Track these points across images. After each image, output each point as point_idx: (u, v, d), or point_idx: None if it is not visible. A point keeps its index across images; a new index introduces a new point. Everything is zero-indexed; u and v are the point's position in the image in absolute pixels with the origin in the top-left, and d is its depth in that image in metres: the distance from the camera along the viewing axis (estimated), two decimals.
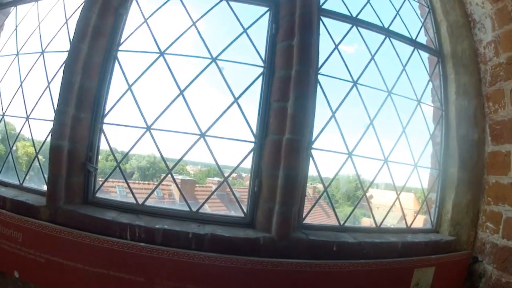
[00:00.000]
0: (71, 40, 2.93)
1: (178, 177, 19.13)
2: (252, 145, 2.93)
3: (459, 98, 3.63)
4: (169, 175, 2.96)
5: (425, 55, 3.90)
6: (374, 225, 3.33)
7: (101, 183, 3.06)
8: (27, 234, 2.70)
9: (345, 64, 3.34)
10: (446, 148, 3.67)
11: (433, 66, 3.84)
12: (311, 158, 3.00)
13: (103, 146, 3.02)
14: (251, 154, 2.93)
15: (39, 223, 2.68)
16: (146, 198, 2.90)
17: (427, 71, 3.85)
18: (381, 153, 3.33)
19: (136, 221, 2.69)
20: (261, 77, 3.02)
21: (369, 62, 3.45)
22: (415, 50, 3.71)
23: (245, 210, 2.95)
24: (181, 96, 2.93)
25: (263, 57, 3.05)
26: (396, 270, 2.99)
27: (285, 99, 2.87)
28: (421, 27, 3.90)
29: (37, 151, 3.21)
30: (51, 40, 3.38)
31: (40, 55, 3.38)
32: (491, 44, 3.49)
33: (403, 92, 3.53)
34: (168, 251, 2.56)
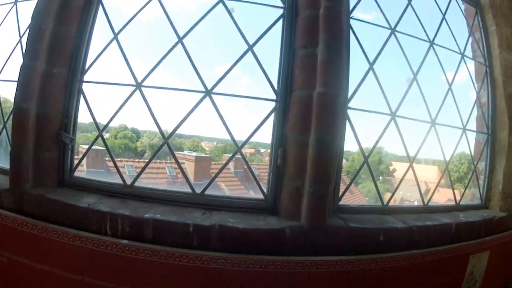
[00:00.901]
0: None
1: (193, 154, 16.84)
2: (273, 104, 1.92)
3: (503, 52, 2.72)
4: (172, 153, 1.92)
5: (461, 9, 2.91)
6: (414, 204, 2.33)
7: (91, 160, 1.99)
8: None
9: (380, 8, 2.30)
10: (493, 109, 2.75)
11: (471, 18, 2.88)
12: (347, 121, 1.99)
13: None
14: (272, 117, 1.92)
15: None
16: (137, 177, 1.91)
17: (467, 24, 2.89)
18: (428, 115, 2.37)
19: (119, 209, 1.71)
20: (281, 20, 1.99)
21: (406, 7, 2.39)
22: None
23: (265, 191, 1.92)
24: (180, 45, 1.93)
25: None
26: (450, 260, 2.08)
27: (313, 45, 1.83)
28: None
29: (5, 120, 2.22)
30: None
31: (13, 6, 2.34)
32: None
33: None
34: (160, 252, 1.57)
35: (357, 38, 2.06)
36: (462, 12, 2.86)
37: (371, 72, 2.12)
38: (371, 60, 2.11)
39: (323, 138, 1.71)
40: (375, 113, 2.10)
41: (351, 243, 1.77)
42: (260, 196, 1.90)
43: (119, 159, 14.78)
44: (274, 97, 1.91)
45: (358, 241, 1.79)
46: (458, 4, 2.79)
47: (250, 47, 1.91)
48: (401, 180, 2.25)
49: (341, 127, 1.87)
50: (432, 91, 2.75)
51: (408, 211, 2.24)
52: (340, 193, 1.96)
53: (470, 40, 2.84)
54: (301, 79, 1.84)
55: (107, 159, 13.21)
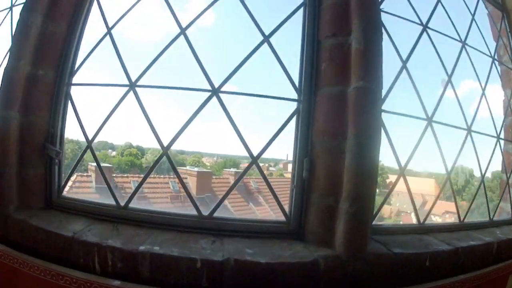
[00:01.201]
0: None
1: (194, 169, 16.62)
2: (295, 104, 1.51)
3: None
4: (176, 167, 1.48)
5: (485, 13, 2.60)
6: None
7: (76, 177, 1.62)
8: None
9: (410, 3, 1.93)
10: None
11: (498, 22, 2.55)
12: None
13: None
14: (294, 119, 1.51)
15: None
16: (131, 197, 1.50)
17: (494, 27, 2.57)
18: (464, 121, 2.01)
19: (109, 239, 1.29)
20: (301, 9, 1.59)
21: (436, 5, 2.02)
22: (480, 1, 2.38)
23: (287, 212, 1.48)
24: (182, 37, 1.55)
25: None
26: (491, 282, 1.71)
27: (344, 32, 1.44)
28: None
29: None
30: None
31: (9, 12, 2.02)
32: None
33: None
34: None
35: (387, 32, 1.66)
36: (490, 16, 2.56)
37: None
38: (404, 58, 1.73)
39: (365, 143, 1.31)
40: (410, 117, 1.71)
41: (394, 271, 1.37)
42: (275, 216, 1.48)
43: (125, 175, 14.97)
44: (295, 96, 1.50)
45: (403, 269, 1.38)
46: (486, 7, 2.50)
47: (266, 38, 1.52)
48: (436, 201, 1.86)
49: (380, 131, 1.45)
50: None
51: (444, 229, 1.84)
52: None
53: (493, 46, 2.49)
54: (330, 74, 1.44)
55: (113, 175, 13.90)
